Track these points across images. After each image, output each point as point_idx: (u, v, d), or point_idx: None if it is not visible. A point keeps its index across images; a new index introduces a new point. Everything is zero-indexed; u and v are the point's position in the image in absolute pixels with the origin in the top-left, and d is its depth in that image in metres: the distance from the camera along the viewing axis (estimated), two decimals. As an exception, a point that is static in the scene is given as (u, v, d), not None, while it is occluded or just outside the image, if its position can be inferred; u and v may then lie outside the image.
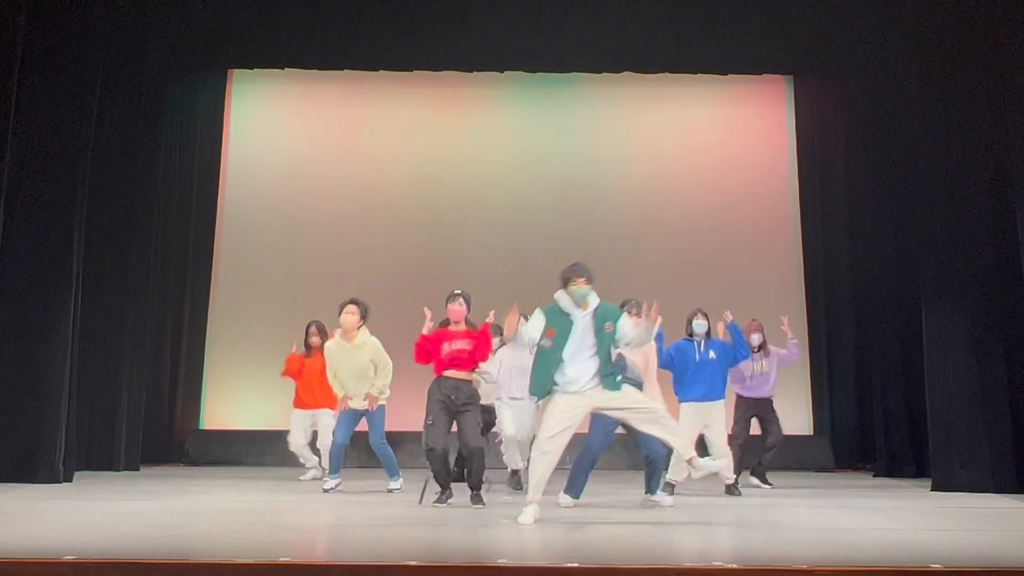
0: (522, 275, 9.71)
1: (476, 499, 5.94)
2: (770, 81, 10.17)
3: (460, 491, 6.03)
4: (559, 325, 5.25)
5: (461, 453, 6.80)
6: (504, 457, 6.99)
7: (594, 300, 5.33)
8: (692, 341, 6.86)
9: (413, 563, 3.69)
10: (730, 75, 9.86)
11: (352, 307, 6.73)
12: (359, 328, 6.75)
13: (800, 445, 9.28)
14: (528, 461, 5.77)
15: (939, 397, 7.24)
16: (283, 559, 3.75)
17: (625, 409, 5.27)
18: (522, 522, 4.96)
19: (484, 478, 6.00)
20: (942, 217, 7.43)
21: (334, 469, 6.75)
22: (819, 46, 9.24)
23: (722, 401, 6.78)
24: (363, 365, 6.72)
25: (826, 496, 6.70)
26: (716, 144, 10.13)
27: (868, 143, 9.53)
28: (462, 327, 6.14)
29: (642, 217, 9.93)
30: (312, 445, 7.96)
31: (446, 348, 6.02)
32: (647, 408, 5.29)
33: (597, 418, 5.66)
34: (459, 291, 6.26)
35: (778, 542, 4.55)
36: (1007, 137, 6.99)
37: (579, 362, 5.21)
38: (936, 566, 3.69)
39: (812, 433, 9.44)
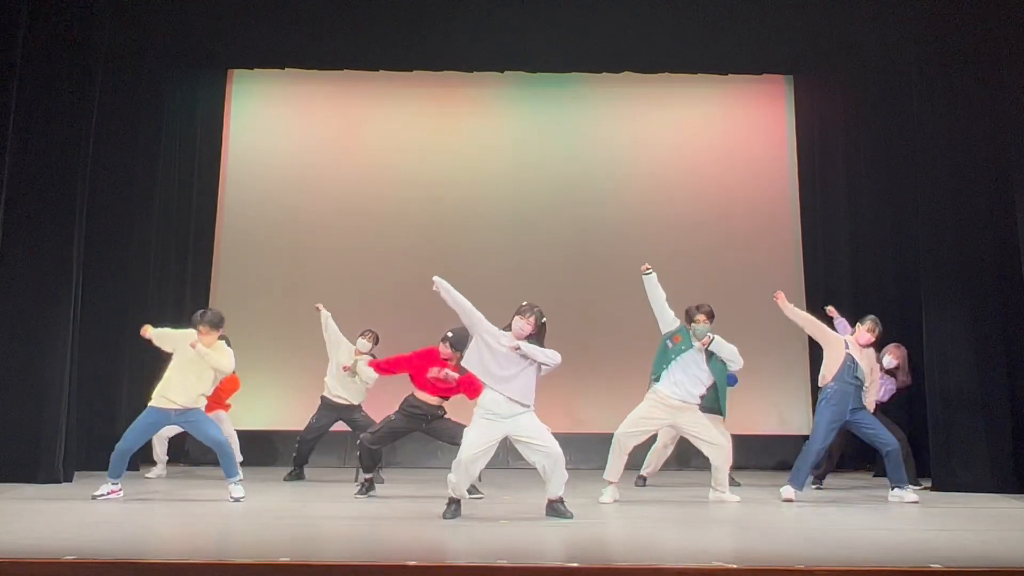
0: (521, 273, 9.72)
1: (472, 489, 6.11)
2: (770, 81, 10.16)
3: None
4: (684, 338, 6.41)
5: None
6: (450, 477, 5.33)
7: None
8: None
9: (413, 563, 3.69)
10: (730, 75, 9.85)
11: (203, 328, 6.21)
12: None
13: (800, 445, 9.24)
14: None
15: (939, 397, 7.25)
16: (283, 559, 3.75)
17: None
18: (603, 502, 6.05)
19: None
20: (942, 217, 7.44)
21: (115, 473, 6.10)
22: (819, 46, 9.24)
23: None
24: (204, 366, 6.24)
25: (826, 496, 6.70)
26: (716, 144, 10.12)
27: (868, 143, 9.54)
28: (452, 361, 6.43)
29: (642, 217, 9.92)
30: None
31: (433, 372, 6.37)
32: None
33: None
34: (451, 333, 6.41)
35: (778, 542, 4.55)
36: (1007, 137, 7.00)
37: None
38: (936, 566, 3.70)
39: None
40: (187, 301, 9.60)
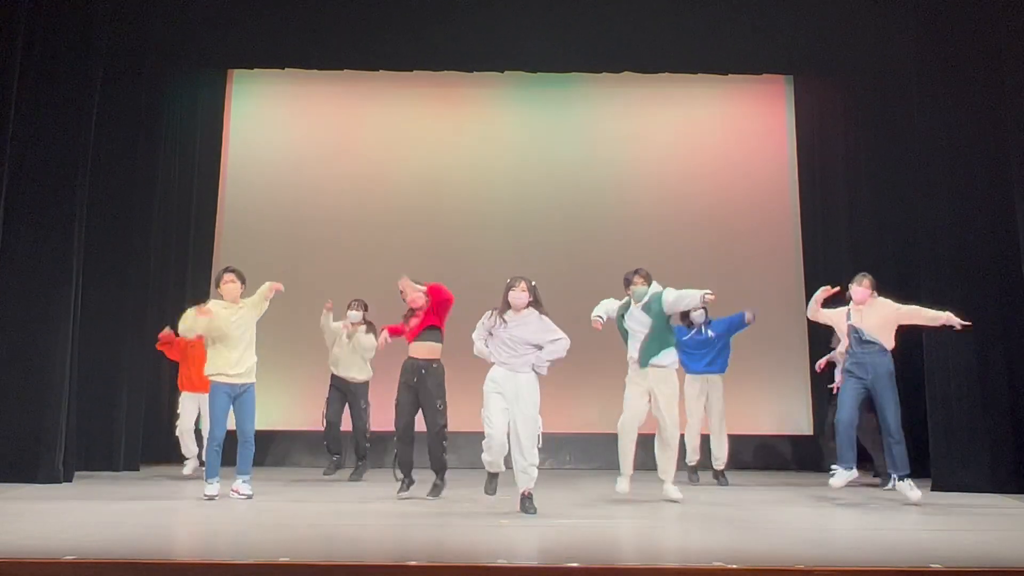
0: (520, 272, 9.68)
1: (433, 489, 6.23)
2: (770, 81, 10.16)
3: (457, 484, 6.03)
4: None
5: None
6: (484, 457, 5.74)
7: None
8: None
9: (413, 563, 3.69)
10: (730, 75, 9.85)
11: (230, 275, 6.35)
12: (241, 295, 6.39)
13: (800, 445, 9.28)
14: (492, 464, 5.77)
15: (939, 397, 7.24)
16: (283, 559, 3.75)
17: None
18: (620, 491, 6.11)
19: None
20: (942, 216, 7.45)
21: (213, 471, 6.15)
22: (819, 46, 9.24)
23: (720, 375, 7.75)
24: (246, 327, 6.29)
25: (826, 496, 6.70)
26: (716, 144, 10.12)
27: (868, 143, 9.54)
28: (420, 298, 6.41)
29: (642, 217, 9.92)
30: (199, 432, 7.70)
31: (410, 324, 6.39)
32: None
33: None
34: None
35: (778, 542, 4.55)
36: (1007, 136, 7.00)
37: None
38: (936, 566, 3.70)
39: (812, 433, 9.44)
40: (187, 301, 9.59)
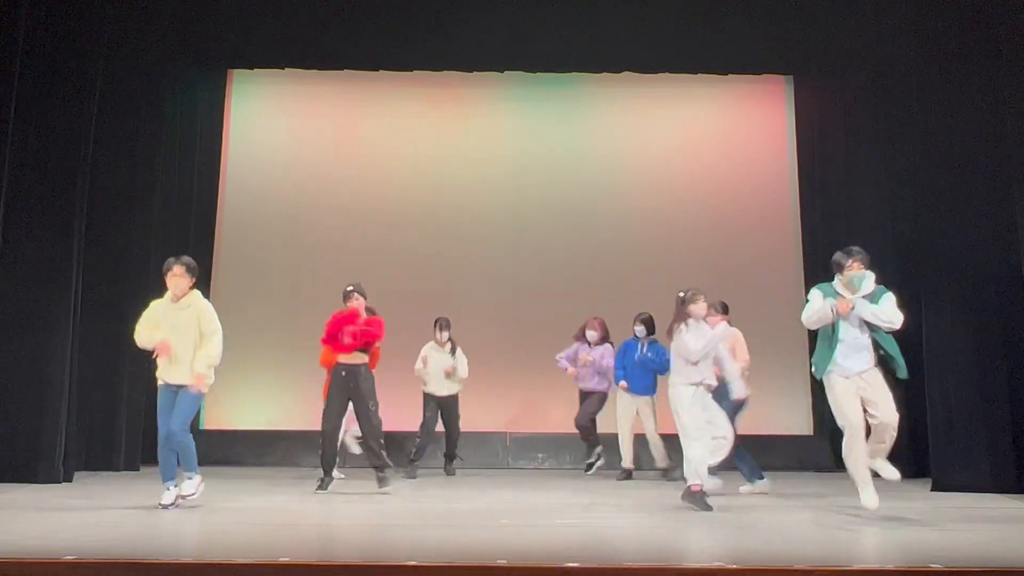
0: (521, 273, 9.73)
1: (381, 481, 6.57)
2: (770, 81, 10.16)
3: (457, 484, 6.02)
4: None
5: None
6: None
7: (869, 285, 5.70)
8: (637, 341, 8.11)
9: (413, 563, 3.70)
10: (730, 75, 9.84)
11: (178, 268, 5.72)
12: (190, 289, 5.82)
13: (800, 445, 9.27)
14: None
15: (939, 397, 7.24)
16: (283, 559, 3.75)
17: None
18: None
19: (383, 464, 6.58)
20: (942, 217, 7.45)
21: (192, 466, 5.72)
22: (819, 46, 9.24)
23: (650, 396, 8.06)
24: (192, 330, 5.73)
25: (826, 496, 6.70)
26: (716, 144, 10.12)
27: (868, 143, 9.53)
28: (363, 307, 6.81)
29: (642, 217, 9.92)
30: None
31: (345, 332, 6.65)
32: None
33: None
34: (351, 287, 6.85)
35: (778, 542, 4.55)
36: (1007, 137, 7.00)
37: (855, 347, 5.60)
38: (936, 566, 3.70)
39: (812, 433, 9.43)
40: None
